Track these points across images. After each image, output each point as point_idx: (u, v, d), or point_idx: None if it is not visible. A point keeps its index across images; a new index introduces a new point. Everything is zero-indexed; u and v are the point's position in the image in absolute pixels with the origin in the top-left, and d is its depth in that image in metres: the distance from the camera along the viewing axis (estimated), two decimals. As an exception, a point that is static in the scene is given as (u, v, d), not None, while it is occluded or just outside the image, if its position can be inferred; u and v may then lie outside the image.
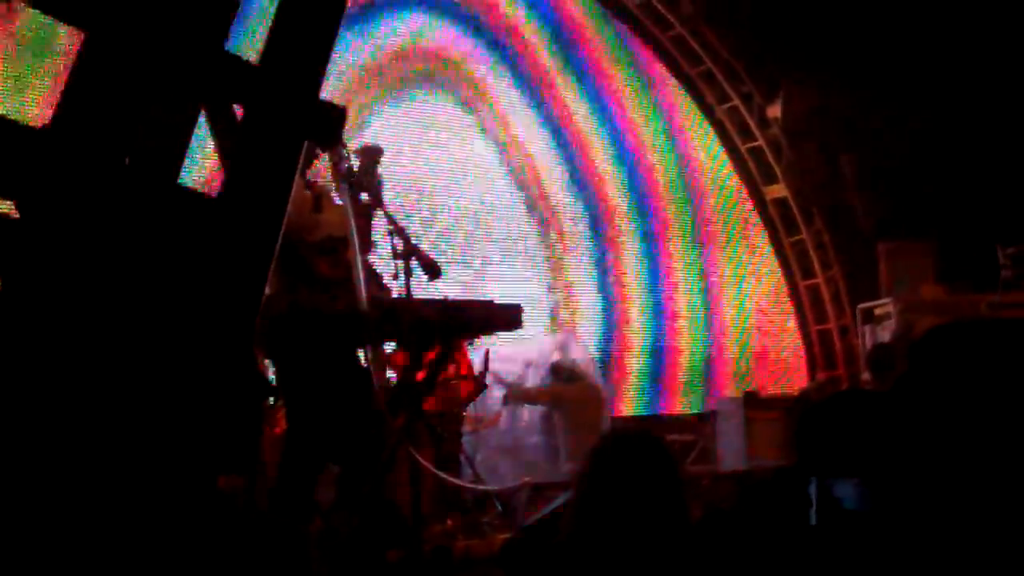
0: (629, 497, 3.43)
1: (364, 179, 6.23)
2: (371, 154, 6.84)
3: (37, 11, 2.22)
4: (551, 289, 12.31)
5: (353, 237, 5.56)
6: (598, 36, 13.57)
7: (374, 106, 11.19)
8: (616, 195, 13.22)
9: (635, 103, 13.73)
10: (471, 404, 8.42)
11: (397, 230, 5.99)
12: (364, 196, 6.33)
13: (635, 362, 12.90)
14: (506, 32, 12.60)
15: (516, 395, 9.70)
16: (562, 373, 9.98)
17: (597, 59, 13.49)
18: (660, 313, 13.29)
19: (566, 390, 9.78)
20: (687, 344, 13.45)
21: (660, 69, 14.09)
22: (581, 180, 12.95)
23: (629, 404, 12.70)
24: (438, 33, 12.00)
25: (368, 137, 10.62)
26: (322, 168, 6.37)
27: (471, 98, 12.13)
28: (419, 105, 11.68)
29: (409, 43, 11.72)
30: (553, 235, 12.51)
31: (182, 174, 2.14)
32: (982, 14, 11.99)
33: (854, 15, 12.58)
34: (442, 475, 6.90)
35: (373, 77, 11.30)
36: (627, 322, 12.96)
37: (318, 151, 5.75)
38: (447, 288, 8.17)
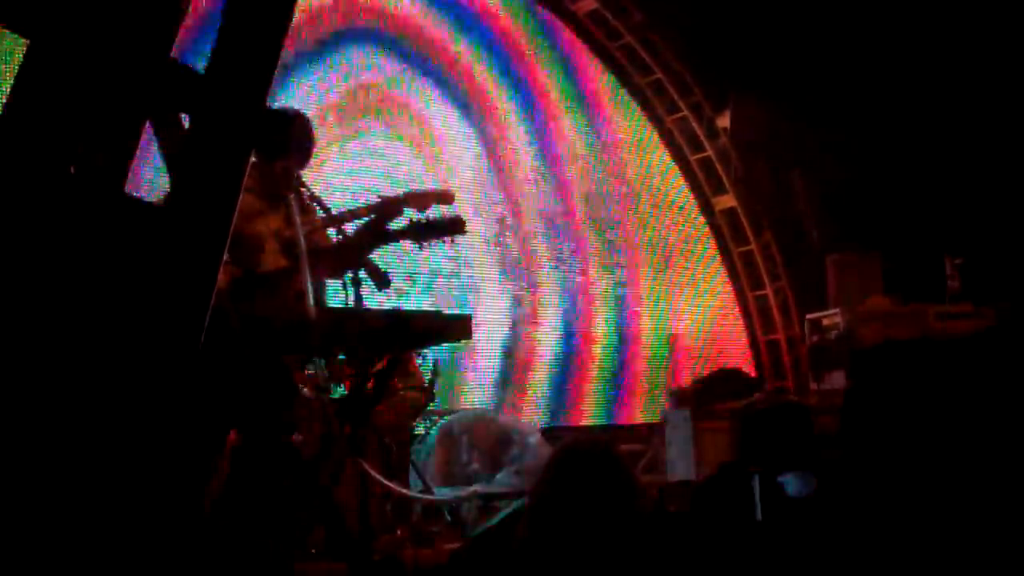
0: (584, 509, 3.44)
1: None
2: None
3: None
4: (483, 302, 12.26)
5: (301, 245, 5.48)
6: (540, 44, 13.55)
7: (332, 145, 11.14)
8: (554, 206, 13.22)
9: (584, 112, 13.74)
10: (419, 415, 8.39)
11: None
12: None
13: (592, 373, 12.90)
14: (443, 56, 12.56)
15: None
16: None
17: (544, 68, 13.48)
18: (619, 322, 13.31)
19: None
20: (643, 354, 13.49)
21: (609, 78, 14.13)
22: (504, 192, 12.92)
23: (585, 415, 12.72)
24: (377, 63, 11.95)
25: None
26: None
27: (407, 121, 12.08)
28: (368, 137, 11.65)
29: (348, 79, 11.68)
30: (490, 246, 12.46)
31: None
32: (928, 33, 12.10)
33: (803, 29, 12.65)
34: (390, 485, 6.88)
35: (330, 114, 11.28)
36: (585, 332, 12.96)
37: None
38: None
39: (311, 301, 5.31)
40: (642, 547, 3.47)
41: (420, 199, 6.09)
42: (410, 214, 5.96)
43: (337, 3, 11.61)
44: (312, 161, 6.37)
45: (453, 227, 5.89)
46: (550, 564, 3.43)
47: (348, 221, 6.15)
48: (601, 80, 14.07)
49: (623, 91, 14.20)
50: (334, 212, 6.09)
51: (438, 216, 5.88)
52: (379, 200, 6.06)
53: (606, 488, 3.50)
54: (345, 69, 11.55)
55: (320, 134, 10.76)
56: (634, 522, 3.48)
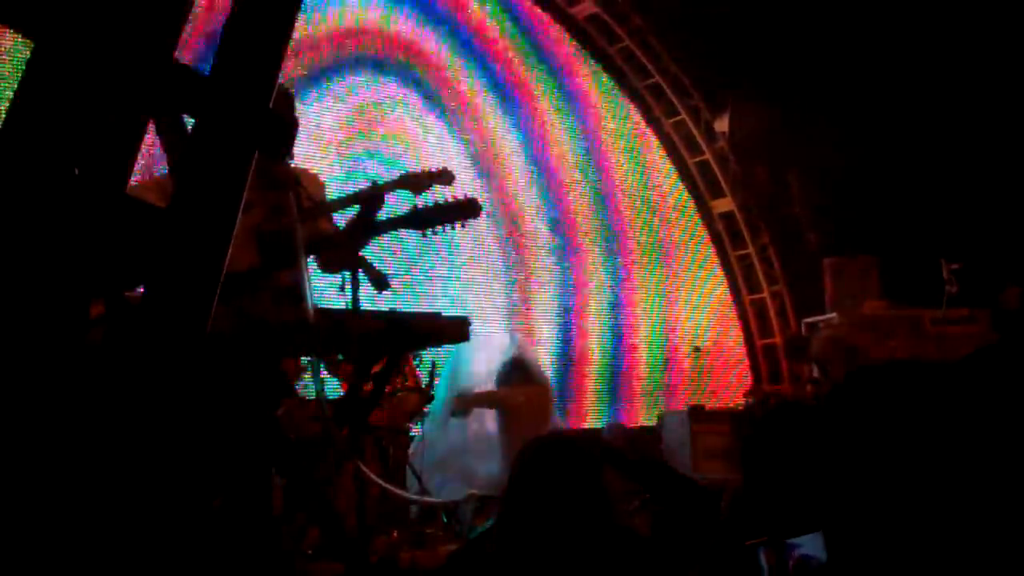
0: (549, 502, 3.44)
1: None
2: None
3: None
4: (509, 299, 12.26)
5: (299, 242, 5.36)
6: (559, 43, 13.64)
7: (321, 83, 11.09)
8: (577, 203, 13.27)
9: (587, 115, 13.79)
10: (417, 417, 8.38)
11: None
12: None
13: (591, 375, 12.88)
14: (474, 29, 12.61)
15: (462, 403, 9.40)
16: (513, 373, 9.62)
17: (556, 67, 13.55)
18: (617, 326, 13.31)
19: (511, 394, 9.43)
20: (640, 358, 13.48)
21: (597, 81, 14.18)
22: (545, 185, 12.96)
23: (586, 417, 12.71)
24: (404, 19, 11.94)
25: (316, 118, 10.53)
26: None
27: (435, 88, 12.09)
28: (370, 87, 11.63)
29: (373, 26, 11.66)
30: (512, 243, 12.46)
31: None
32: (927, 37, 12.11)
33: (802, 33, 12.66)
34: (388, 487, 6.88)
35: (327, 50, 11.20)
36: (583, 335, 12.96)
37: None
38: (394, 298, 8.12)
39: (308, 299, 5.22)
40: (610, 541, 3.47)
41: (415, 180, 5.86)
42: (412, 199, 5.69)
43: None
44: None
45: (464, 211, 5.54)
46: (522, 561, 3.43)
47: (332, 212, 5.96)
48: (599, 83, 14.09)
49: (621, 94, 14.23)
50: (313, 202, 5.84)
51: (447, 200, 5.62)
52: (365, 188, 5.81)
53: (569, 479, 3.50)
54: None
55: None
56: (600, 514, 3.48)
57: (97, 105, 2.05)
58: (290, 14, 2.33)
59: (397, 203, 5.93)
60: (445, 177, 5.89)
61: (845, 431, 2.27)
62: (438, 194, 5.60)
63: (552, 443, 3.72)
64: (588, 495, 3.50)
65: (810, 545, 3.80)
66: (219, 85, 2.20)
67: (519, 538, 3.46)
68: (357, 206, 5.68)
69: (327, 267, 5.91)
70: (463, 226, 5.54)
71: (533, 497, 3.49)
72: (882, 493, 2.16)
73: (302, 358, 6.18)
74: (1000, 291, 10.63)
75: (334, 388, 7.63)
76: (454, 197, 5.54)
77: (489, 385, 9.48)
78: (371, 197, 5.68)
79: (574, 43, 13.88)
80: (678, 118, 14.32)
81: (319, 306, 5.27)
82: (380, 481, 6.57)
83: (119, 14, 2.10)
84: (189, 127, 2.34)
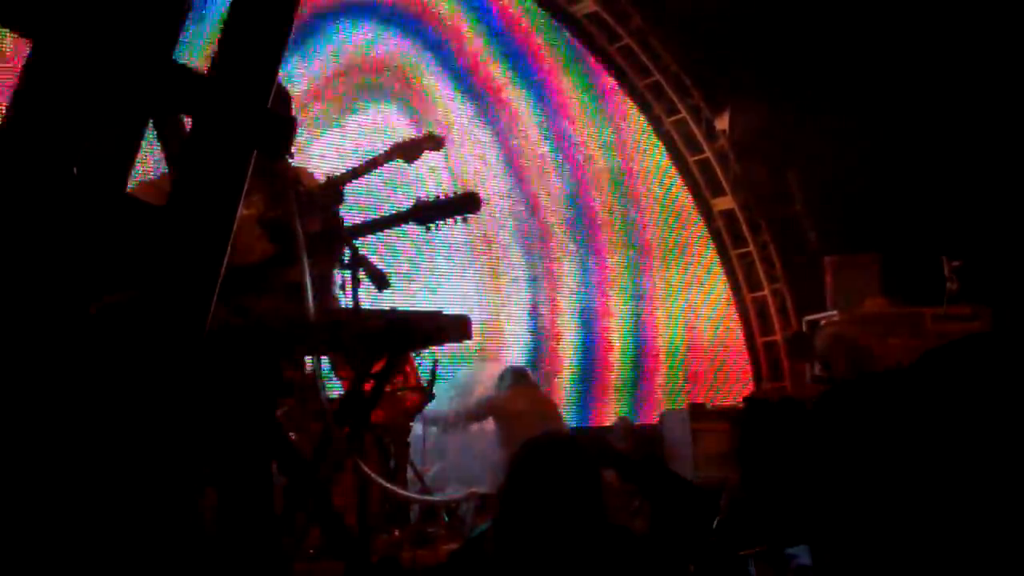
0: (545, 501, 3.45)
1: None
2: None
3: None
4: (484, 302, 12.24)
5: (301, 242, 5.31)
6: (548, 45, 13.59)
7: (323, 120, 11.10)
8: (553, 207, 13.22)
9: (582, 113, 13.76)
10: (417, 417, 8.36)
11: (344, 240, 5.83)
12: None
13: (568, 373, 12.85)
14: (453, 40, 12.59)
15: (457, 419, 9.41)
16: (507, 378, 9.64)
17: (547, 68, 13.50)
18: (593, 323, 13.28)
19: (506, 400, 9.43)
20: (623, 356, 13.45)
21: (608, 80, 14.15)
22: (521, 190, 12.93)
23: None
24: (387, 44, 11.95)
25: (316, 153, 10.53)
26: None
27: (420, 107, 12.07)
28: (368, 116, 11.60)
29: (358, 56, 11.66)
30: (489, 247, 12.43)
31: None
32: (927, 34, 12.10)
33: (801, 31, 12.65)
34: (389, 486, 6.88)
35: (323, 90, 11.22)
36: (559, 333, 12.93)
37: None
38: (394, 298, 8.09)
39: (310, 297, 5.17)
40: (606, 541, 3.48)
41: (408, 149, 5.88)
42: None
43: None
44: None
45: (464, 205, 5.50)
46: (518, 559, 3.44)
47: (330, 191, 5.92)
48: (599, 81, 14.08)
49: (621, 92, 14.21)
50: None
51: (449, 194, 5.60)
52: (361, 164, 5.78)
53: (567, 480, 3.51)
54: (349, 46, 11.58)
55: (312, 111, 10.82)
56: (596, 514, 3.49)
57: (97, 105, 2.05)
58: (289, 14, 2.33)
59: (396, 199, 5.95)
60: (434, 142, 5.92)
61: (834, 439, 2.28)
62: (440, 190, 5.61)
63: (548, 443, 3.73)
64: (584, 495, 3.50)
65: (808, 555, 3.80)
66: (218, 85, 2.20)
67: (516, 537, 3.47)
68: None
69: (327, 264, 5.90)
70: (464, 220, 5.56)
71: (529, 496, 3.49)
72: (866, 504, 2.16)
73: (306, 364, 6.16)
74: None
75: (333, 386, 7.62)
76: (455, 192, 5.56)
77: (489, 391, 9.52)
78: (368, 173, 5.71)
79: (576, 43, 13.89)
80: (678, 116, 14.31)
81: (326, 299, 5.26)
82: (381, 480, 6.56)
83: (119, 14, 2.10)
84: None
